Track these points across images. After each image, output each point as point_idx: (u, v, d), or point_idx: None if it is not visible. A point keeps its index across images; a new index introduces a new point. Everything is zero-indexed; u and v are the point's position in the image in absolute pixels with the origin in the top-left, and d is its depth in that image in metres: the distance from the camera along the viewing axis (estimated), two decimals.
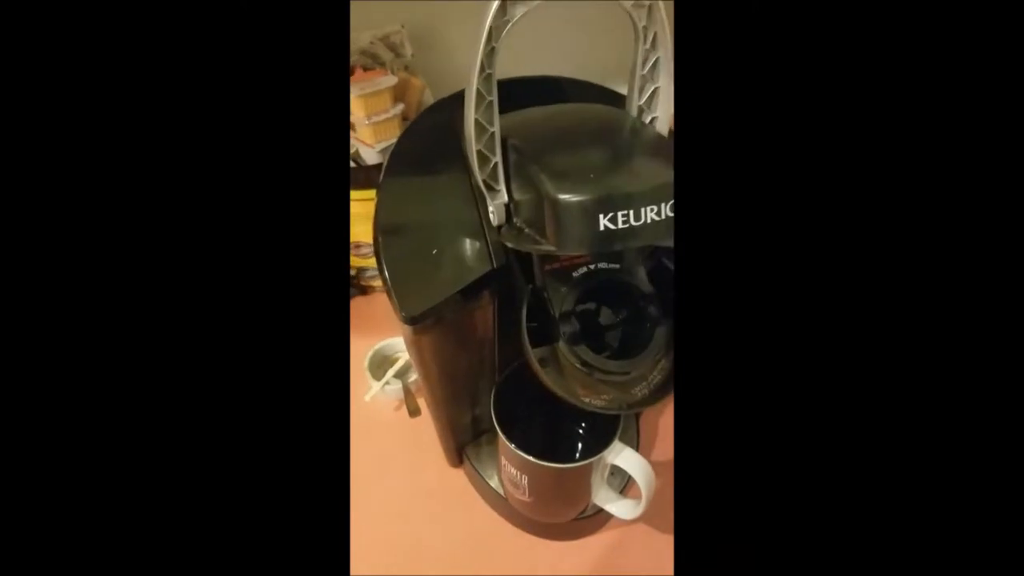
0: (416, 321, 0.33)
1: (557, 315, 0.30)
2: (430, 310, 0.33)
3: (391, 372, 0.56)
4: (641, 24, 0.28)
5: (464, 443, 0.51)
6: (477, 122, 0.28)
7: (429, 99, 0.56)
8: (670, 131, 0.33)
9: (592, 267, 0.31)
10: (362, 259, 0.62)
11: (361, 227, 0.59)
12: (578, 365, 0.30)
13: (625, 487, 0.49)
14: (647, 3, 0.28)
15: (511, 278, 0.34)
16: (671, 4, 0.28)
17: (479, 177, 0.29)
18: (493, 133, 0.28)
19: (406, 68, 0.56)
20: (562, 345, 0.30)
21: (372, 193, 0.57)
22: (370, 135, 0.52)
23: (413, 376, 0.57)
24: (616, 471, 0.46)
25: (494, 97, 0.27)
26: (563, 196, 0.25)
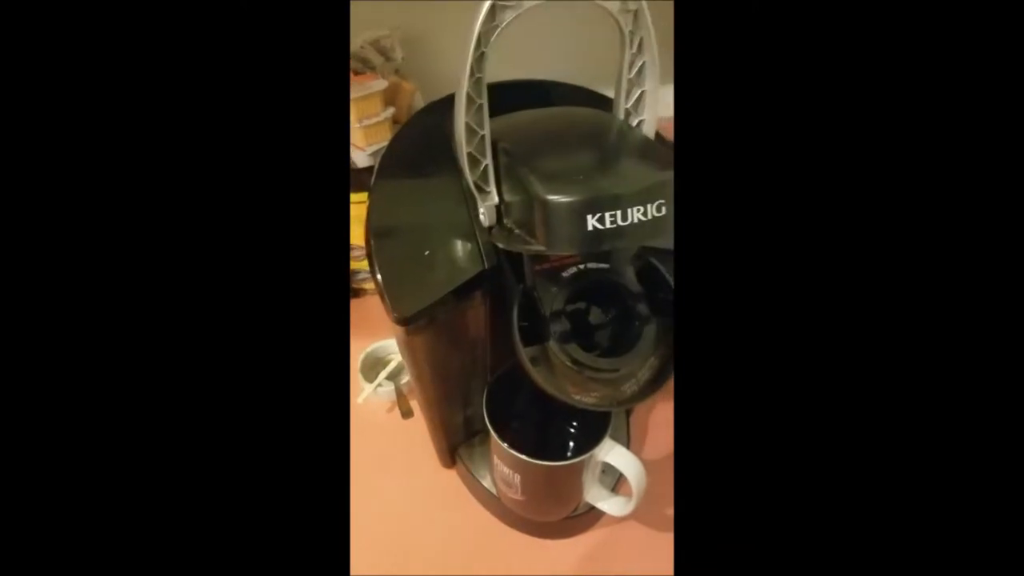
0: (408, 322, 0.33)
1: (548, 314, 0.31)
2: (422, 311, 0.33)
3: (383, 374, 0.56)
4: (627, 29, 0.29)
5: (457, 444, 0.51)
6: (467, 125, 0.28)
7: (420, 103, 0.57)
8: (657, 134, 0.33)
9: (582, 267, 0.31)
10: (354, 262, 0.63)
11: (352, 230, 0.59)
12: (568, 363, 0.31)
13: (616, 485, 0.50)
14: (633, 8, 0.28)
15: (502, 279, 0.34)
16: (660, 8, 0.29)
17: (470, 179, 0.30)
18: (483, 136, 0.29)
19: (397, 72, 0.56)
20: (553, 344, 0.31)
21: (363, 196, 0.57)
22: (361, 138, 0.53)
23: (405, 378, 0.57)
24: (608, 469, 0.47)
25: (484, 100, 0.28)
26: (552, 197, 0.25)
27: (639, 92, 0.31)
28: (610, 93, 0.34)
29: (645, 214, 0.25)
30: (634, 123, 0.32)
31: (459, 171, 0.32)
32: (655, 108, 0.31)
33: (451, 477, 0.53)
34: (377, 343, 0.59)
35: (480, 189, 0.30)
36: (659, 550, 0.48)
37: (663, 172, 0.26)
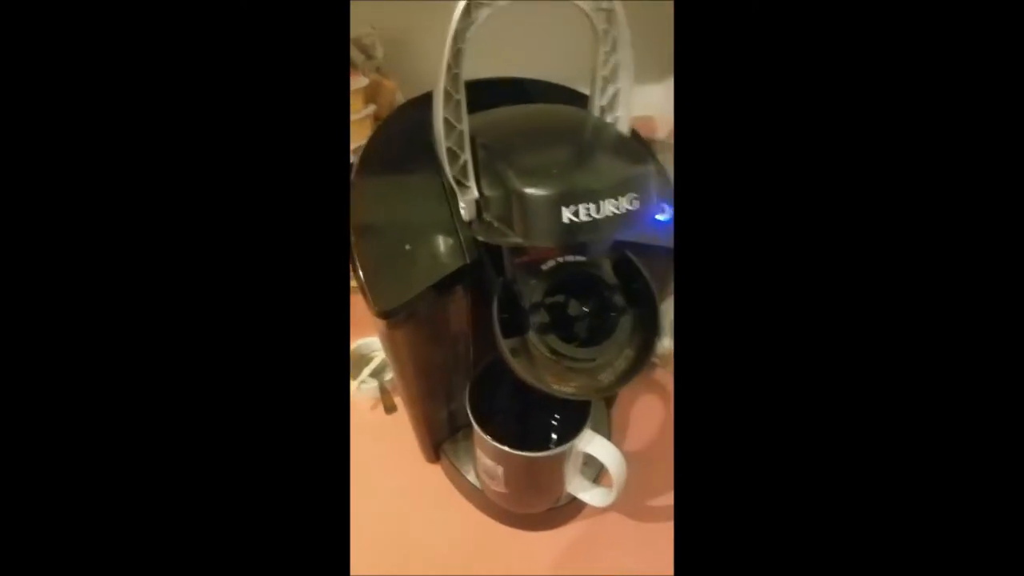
0: (390, 316, 0.34)
1: (527, 306, 0.31)
2: (404, 304, 0.33)
3: (367, 371, 0.57)
4: (601, 27, 0.30)
5: (441, 439, 0.52)
6: (446, 120, 0.29)
7: (400, 101, 0.57)
8: (632, 130, 0.34)
9: (560, 260, 0.32)
10: None
11: None
12: (548, 354, 0.32)
13: (597, 477, 0.51)
14: (607, 7, 0.29)
15: (484, 273, 0.35)
16: (635, 8, 0.30)
17: (449, 174, 0.30)
18: (461, 131, 0.29)
19: (378, 70, 0.56)
20: (532, 335, 0.31)
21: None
22: None
23: (389, 375, 0.57)
24: (589, 461, 0.47)
25: (462, 96, 0.28)
26: (529, 190, 0.26)
27: (613, 90, 0.32)
28: (587, 90, 0.35)
29: (618, 207, 0.26)
30: (609, 120, 0.33)
31: (439, 167, 0.32)
32: (629, 105, 0.32)
33: (435, 472, 0.53)
34: (360, 340, 0.59)
35: (460, 184, 0.31)
36: (641, 539, 0.49)
37: (636, 167, 0.27)
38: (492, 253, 0.34)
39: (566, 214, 0.26)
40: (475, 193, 0.31)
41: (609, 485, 0.44)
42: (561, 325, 0.32)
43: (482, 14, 0.27)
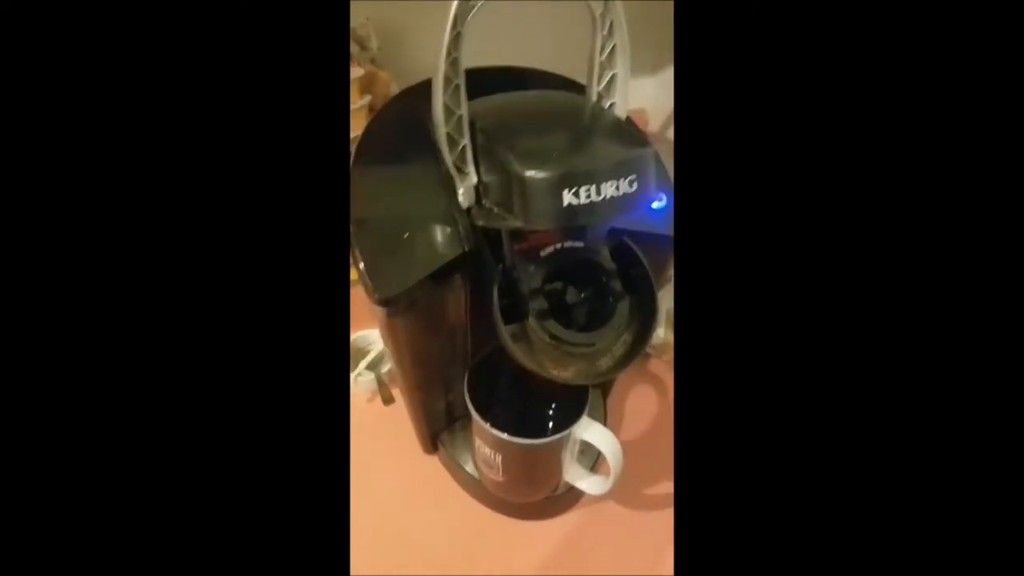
0: (390, 303, 0.34)
1: (526, 293, 0.32)
2: (404, 292, 0.33)
3: (363, 363, 0.57)
4: (598, 12, 0.30)
5: (438, 430, 0.52)
6: (445, 105, 0.29)
7: (395, 92, 0.57)
8: (627, 116, 0.34)
9: (559, 246, 0.32)
10: None
11: None
12: (547, 339, 0.32)
13: (594, 466, 0.51)
14: None
15: (482, 262, 0.35)
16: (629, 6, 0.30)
17: (449, 159, 0.30)
18: (460, 116, 0.29)
19: (372, 62, 0.56)
20: (532, 320, 0.31)
21: None
22: None
23: (386, 367, 0.57)
24: (586, 450, 0.48)
25: (461, 81, 0.28)
26: (529, 173, 0.26)
27: (610, 75, 0.32)
28: (583, 80, 0.35)
29: (618, 189, 0.26)
30: (606, 106, 0.33)
31: (437, 155, 0.32)
32: (626, 90, 0.32)
33: (433, 463, 0.53)
34: (357, 333, 0.59)
35: (459, 169, 0.31)
36: (637, 527, 0.49)
37: (635, 149, 0.27)
38: (491, 240, 0.34)
39: (566, 197, 0.26)
40: (474, 179, 0.31)
41: (605, 473, 0.44)
42: (560, 310, 0.32)
43: None
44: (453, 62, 0.28)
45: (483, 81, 0.33)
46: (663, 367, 0.62)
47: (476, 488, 0.50)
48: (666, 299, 0.51)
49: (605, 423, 0.56)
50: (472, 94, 0.30)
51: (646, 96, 0.69)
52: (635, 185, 0.26)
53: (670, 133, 0.73)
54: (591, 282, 0.33)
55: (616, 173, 0.26)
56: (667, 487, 0.52)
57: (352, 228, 0.36)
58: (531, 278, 0.32)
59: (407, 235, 0.35)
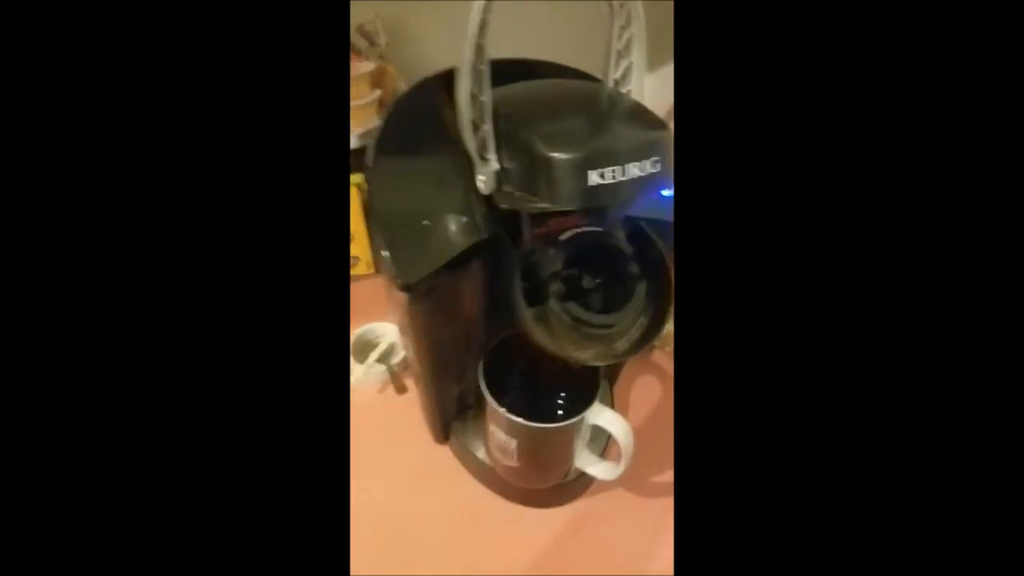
0: (413, 289, 0.34)
1: (547, 276, 0.32)
2: (427, 277, 0.34)
3: (374, 355, 0.57)
4: (616, 3, 0.31)
5: (450, 419, 0.53)
6: (470, 92, 0.29)
7: (402, 87, 0.58)
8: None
9: (578, 230, 0.33)
10: None
11: None
12: (567, 321, 0.33)
13: (602, 453, 0.52)
14: None
15: (499, 249, 0.36)
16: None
17: (471, 146, 0.31)
18: (484, 102, 0.30)
19: (380, 57, 0.57)
20: (553, 303, 0.32)
21: (351, 179, 0.57)
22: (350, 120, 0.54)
23: (396, 358, 0.58)
24: (595, 437, 0.49)
25: (486, 67, 0.29)
26: (555, 154, 0.27)
27: (626, 63, 0.33)
28: (597, 73, 0.36)
29: (642, 169, 0.27)
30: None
31: (455, 145, 0.33)
32: (642, 79, 0.33)
33: (444, 453, 0.54)
34: (365, 326, 0.60)
35: (481, 155, 0.32)
36: (646, 514, 0.50)
37: (656, 132, 0.28)
38: (509, 226, 0.35)
39: (592, 177, 0.27)
40: (495, 165, 0.32)
41: (614, 460, 0.45)
42: (579, 293, 0.33)
43: None
44: (479, 49, 0.29)
45: (495, 72, 0.34)
46: (665, 357, 0.63)
47: (487, 475, 0.51)
48: None
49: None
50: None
51: (646, 91, 0.70)
52: (659, 165, 0.27)
53: (670, 128, 0.74)
54: (608, 266, 0.34)
55: (640, 154, 0.27)
56: (671, 475, 0.53)
57: (374, 218, 0.36)
58: (551, 262, 0.33)
59: (427, 223, 0.36)
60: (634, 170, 0.27)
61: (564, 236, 0.33)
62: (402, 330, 0.46)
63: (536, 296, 0.33)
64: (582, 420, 0.43)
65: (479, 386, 0.44)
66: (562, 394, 0.52)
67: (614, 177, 0.27)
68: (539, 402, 0.51)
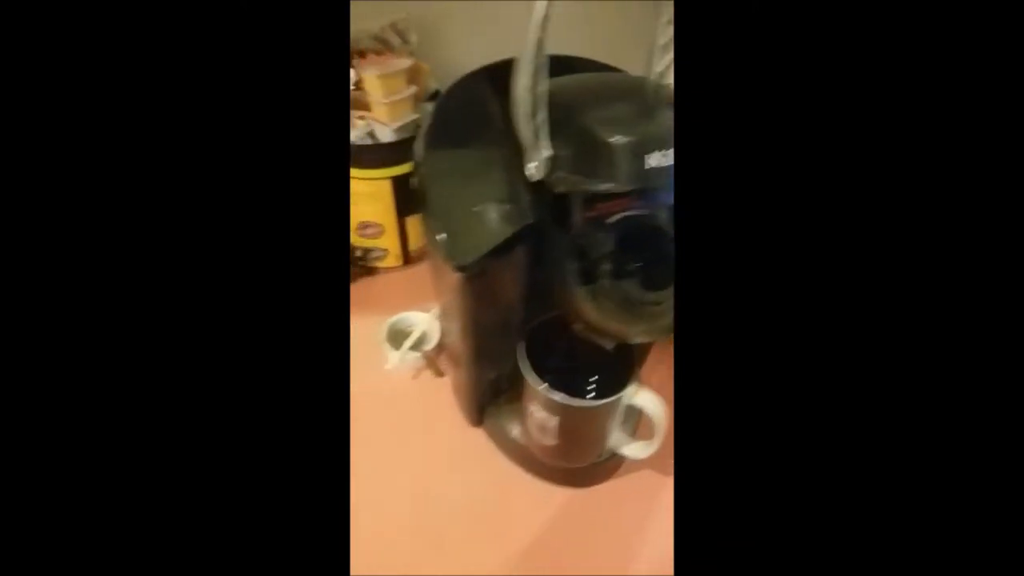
0: (467, 269, 0.37)
1: (596, 257, 0.34)
2: (479, 259, 0.36)
3: (407, 343, 0.59)
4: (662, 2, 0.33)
5: (485, 403, 0.55)
6: (528, 82, 0.31)
7: (433, 84, 0.60)
8: None
9: (625, 214, 0.35)
10: (370, 240, 0.65)
11: (371, 206, 0.61)
12: (617, 299, 0.35)
13: (633, 433, 0.54)
14: None
15: (542, 236, 0.38)
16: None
17: (526, 134, 0.33)
18: (540, 92, 0.32)
19: (411, 54, 0.59)
20: (605, 282, 0.34)
21: (385, 172, 0.60)
22: (386, 114, 0.55)
23: (429, 345, 0.60)
24: (627, 418, 0.51)
25: (544, 60, 0.31)
26: (614, 139, 0.29)
27: (669, 58, 0.35)
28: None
29: None
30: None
31: (500, 136, 0.35)
32: None
33: (477, 435, 0.56)
34: (397, 316, 0.62)
35: (535, 142, 0.34)
36: (668, 496, 0.52)
37: None
38: (556, 212, 0.37)
39: (647, 160, 0.29)
40: (548, 151, 0.34)
41: (645, 439, 0.47)
42: (627, 274, 0.35)
43: None
44: (539, 44, 0.30)
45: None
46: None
47: (520, 455, 0.53)
48: None
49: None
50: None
51: None
52: None
53: None
54: (653, 247, 0.36)
55: None
56: None
57: (428, 205, 0.39)
58: (601, 244, 0.35)
59: (477, 210, 0.38)
60: None
61: (612, 219, 0.35)
62: (446, 314, 0.47)
63: (587, 276, 0.35)
64: (620, 399, 0.45)
65: (516, 369, 0.46)
66: (595, 376, 0.54)
67: (667, 159, 0.29)
68: (574, 384, 0.53)
